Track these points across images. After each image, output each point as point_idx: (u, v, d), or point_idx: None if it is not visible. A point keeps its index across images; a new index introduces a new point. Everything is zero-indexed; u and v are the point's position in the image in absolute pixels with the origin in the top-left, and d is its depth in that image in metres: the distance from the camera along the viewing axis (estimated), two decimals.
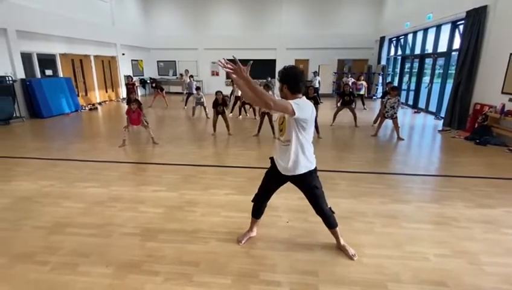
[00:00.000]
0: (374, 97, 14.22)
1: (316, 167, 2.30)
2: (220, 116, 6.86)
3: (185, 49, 16.33)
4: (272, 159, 2.43)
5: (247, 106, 9.51)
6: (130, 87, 9.93)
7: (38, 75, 9.49)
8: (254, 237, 2.70)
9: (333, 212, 2.44)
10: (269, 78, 13.09)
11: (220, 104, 6.78)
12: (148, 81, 15.62)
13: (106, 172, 4.43)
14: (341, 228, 2.54)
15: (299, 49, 15.52)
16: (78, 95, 10.64)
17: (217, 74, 16.52)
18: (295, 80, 2.12)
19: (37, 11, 9.02)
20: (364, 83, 11.11)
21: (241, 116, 9.19)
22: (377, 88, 14.38)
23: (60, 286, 2.11)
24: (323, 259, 2.43)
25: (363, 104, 10.96)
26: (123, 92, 13.71)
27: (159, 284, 2.13)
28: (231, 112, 9.29)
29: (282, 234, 2.80)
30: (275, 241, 2.68)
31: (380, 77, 13.98)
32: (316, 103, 6.57)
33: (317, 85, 12.82)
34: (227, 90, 15.31)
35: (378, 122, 7.18)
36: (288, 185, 2.41)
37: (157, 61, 17.00)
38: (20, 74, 8.62)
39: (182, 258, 2.41)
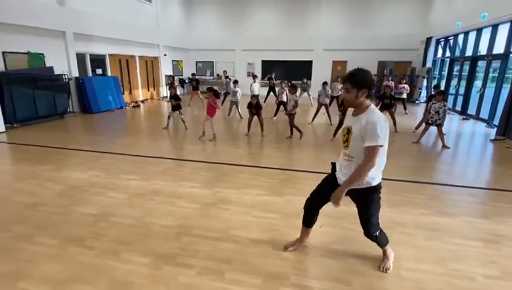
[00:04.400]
0: (417, 101, 13.42)
1: (378, 185, 2.10)
2: (255, 116, 6.93)
3: (223, 50, 16.69)
4: (333, 165, 2.27)
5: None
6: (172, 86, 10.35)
7: (90, 74, 10.29)
8: (305, 246, 2.58)
9: (376, 238, 2.25)
10: (305, 80, 12.92)
11: (253, 107, 6.87)
12: (187, 80, 16.19)
13: (147, 166, 4.68)
14: None
15: (337, 50, 15.14)
16: (123, 93, 11.36)
17: (254, 75, 16.66)
18: (373, 83, 1.94)
19: (91, 14, 9.79)
20: (406, 86, 10.52)
21: (275, 118, 9.17)
22: (420, 92, 13.55)
23: (103, 270, 2.27)
24: (358, 268, 2.34)
25: (405, 108, 10.39)
26: (164, 91, 14.39)
27: (192, 277, 2.20)
28: (275, 116, 9.21)
29: (315, 238, 2.75)
30: (307, 245, 2.64)
31: (425, 80, 13.17)
32: (390, 106, 6.52)
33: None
34: (263, 91, 15.45)
35: (421, 128, 6.77)
36: None
37: (196, 62, 17.59)
38: (75, 73, 9.42)
39: (214, 254, 2.47)
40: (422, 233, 2.88)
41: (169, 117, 7.58)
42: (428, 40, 13.07)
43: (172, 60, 15.56)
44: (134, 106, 11.39)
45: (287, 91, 8.34)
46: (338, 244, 2.66)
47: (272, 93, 12.35)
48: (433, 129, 6.50)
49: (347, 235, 2.78)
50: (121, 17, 11.20)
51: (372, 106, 1.96)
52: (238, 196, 3.64)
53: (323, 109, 8.58)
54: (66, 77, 8.89)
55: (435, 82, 12.77)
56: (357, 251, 2.54)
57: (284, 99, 9.14)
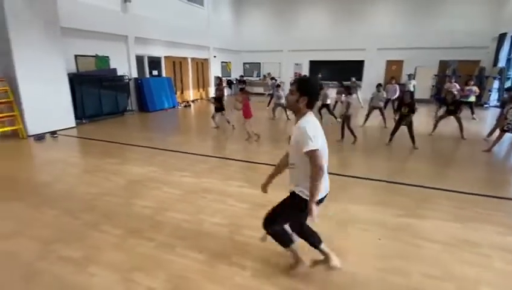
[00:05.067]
0: (486, 105, 12.02)
1: (306, 200, 1.89)
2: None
3: (270, 51, 16.75)
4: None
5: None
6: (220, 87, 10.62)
7: (147, 74, 11.03)
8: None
9: (268, 232, 2.14)
10: (353, 79, 12.24)
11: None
12: (235, 82, 16.54)
13: (198, 164, 4.83)
14: (444, 257, 2.17)
15: (392, 49, 14.25)
16: (176, 93, 11.98)
17: (299, 76, 16.43)
18: (316, 95, 1.92)
19: (149, 19, 10.48)
20: (474, 88, 9.42)
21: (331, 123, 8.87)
22: (490, 94, 12.11)
23: (162, 263, 2.36)
24: (423, 288, 2.12)
25: (472, 112, 9.32)
26: (212, 91, 14.88)
27: (246, 278, 2.18)
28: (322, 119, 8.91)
29: (373, 250, 2.56)
30: (366, 256, 2.47)
31: (496, 82, 11.74)
32: (411, 112, 5.88)
33: (411, 89, 11.55)
34: None
35: (494, 135, 6.02)
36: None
37: (244, 63, 17.90)
38: (134, 74, 10.17)
39: (268, 257, 2.43)
40: (500, 255, 2.53)
41: (213, 117, 7.74)
42: (502, 36, 11.64)
43: (221, 62, 16.02)
44: (185, 106, 11.94)
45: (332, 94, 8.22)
46: (399, 259, 2.44)
47: None
48: (508, 136, 5.74)
49: (409, 251, 2.54)
50: (175, 21, 11.82)
51: (309, 113, 1.92)
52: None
53: (375, 112, 8.10)
54: (127, 77, 9.63)
55: (508, 83, 11.33)
56: (421, 270, 2.31)
57: (328, 101, 8.90)
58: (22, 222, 2.98)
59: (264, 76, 16.78)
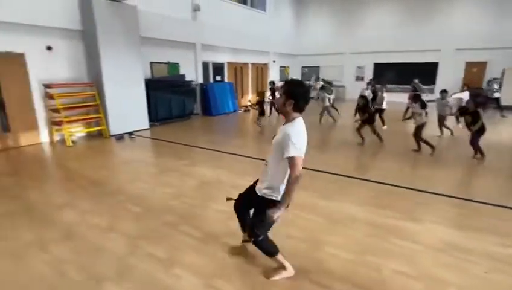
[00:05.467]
0: None
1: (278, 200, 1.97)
2: (366, 125, 6.48)
3: (330, 54, 16.24)
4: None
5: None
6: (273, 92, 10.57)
7: (211, 80, 11.53)
8: None
9: (255, 241, 2.13)
10: (416, 80, 10.96)
11: (359, 108, 6.55)
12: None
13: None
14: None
15: (473, 49, 12.67)
16: (236, 98, 12.30)
17: (362, 79, 15.60)
18: (304, 99, 1.91)
19: (215, 27, 10.95)
20: None
21: (385, 126, 8.23)
22: None
23: (242, 271, 2.33)
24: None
25: None
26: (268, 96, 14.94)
27: None
28: (384, 126, 8.30)
29: (480, 287, 2.19)
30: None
31: None
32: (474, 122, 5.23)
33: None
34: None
35: None
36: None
37: (302, 67, 17.66)
38: (200, 79, 10.71)
39: (351, 278, 2.24)
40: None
41: (257, 120, 8.00)
42: None
43: (280, 66, 16.03)
44: (245, 110, 12.18)
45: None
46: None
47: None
48: None
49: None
50: (239, 28, 12.16)
51: (298, 119, 1.94)
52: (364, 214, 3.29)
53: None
54: (194, 83, 10.18)
55: None
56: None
57: (384, 106, 8.31)
58: (113, 217, 3.25)
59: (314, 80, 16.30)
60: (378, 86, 9.47)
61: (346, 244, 2.74)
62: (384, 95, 8.46)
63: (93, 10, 6.62)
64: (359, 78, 15.65)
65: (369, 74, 15.35)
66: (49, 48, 6.51)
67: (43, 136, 6.71)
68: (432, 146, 5.69)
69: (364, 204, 3.58)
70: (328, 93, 9.23)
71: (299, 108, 1.92)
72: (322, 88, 9.71)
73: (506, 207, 3.48)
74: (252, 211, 2.28)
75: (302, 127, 1.94)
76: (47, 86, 6.38)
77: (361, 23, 15.18)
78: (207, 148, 6.20)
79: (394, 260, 2.50)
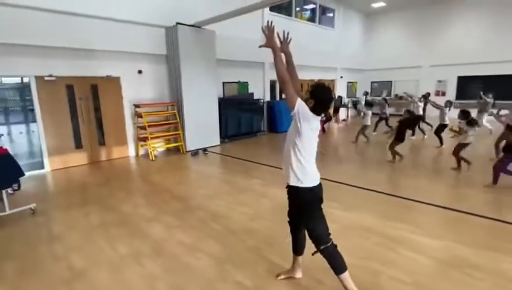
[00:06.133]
0: None
1: (311, 187, 2.07)
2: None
3: (405, 68, 15.07)
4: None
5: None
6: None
7: (278, 98, 11.58)
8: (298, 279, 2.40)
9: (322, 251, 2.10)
10: (483, 94, 9.17)
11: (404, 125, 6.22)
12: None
13: (343, 193, 4.45)
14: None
15: None
16: None
17: (443, 94, 14.03)
18: (323, 103, 2.03)
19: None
20: None
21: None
22: None
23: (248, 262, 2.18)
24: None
25: None
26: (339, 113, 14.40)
27: None
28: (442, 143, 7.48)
29: None
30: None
31: None
32: None
33: None
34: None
35: None
36: None
37: (371, 82, 16.72)
38: (267, 97, 10.84)
39: None
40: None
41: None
42: None
43: (348, 82, 15.43)
44: None
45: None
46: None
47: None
48: None
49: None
50: (307, 45, 12.10)
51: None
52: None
53: None
54: (262, 101, 10.34)
55: None
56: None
57: (446, 122, 7.51)
58: (197, 234, 3.28)
59: (397, 95, 15.14)
60: (378, 98, 8.83)
61: (352, 250, 2.77)
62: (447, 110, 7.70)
63: (177, 36, 7.24)
64: (440, 93, 14.11)
65: (452, 89, 13.77)
66: (139, 72, 7.28)
67: (131, 150, 7.42)
68: (467, 162, 5.40)
69: (381, 217, 3.61)
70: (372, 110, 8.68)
71: (317, 111, 2.00)
72: (369, 104, 8.98)
73: None
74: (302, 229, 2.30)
75: (317, 120, 2.05)
76: (136, 105, 7.09)
77: (443, 33, 13.80)
78: (277, 167, 6.06)
79: (395, 268, 2.58)
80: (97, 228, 3.53)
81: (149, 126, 7.01)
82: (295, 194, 2.14)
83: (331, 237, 2.13)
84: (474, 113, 6.88)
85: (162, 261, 2.80)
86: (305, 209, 2.13)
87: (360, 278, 2.38)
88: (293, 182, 2.09)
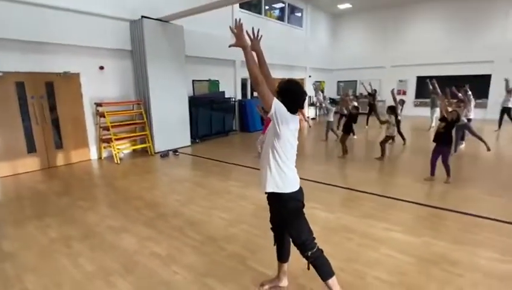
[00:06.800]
0: None
1: (291, 194, 1.95)
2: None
3: (369, 68, 15.69)
4: None
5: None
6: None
7: (249, 96, 11.45)
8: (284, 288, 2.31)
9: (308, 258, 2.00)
10: (467, 85, 9.89)
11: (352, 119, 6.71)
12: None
13: (323, 194, 4.43)
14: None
15: None
16: None
17: (404, 93, 14.83)
18: (294, 100, 1.90)
19: None
20: None
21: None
22: None
23: (233, 272, 2.13)
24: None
25: None
26: (308, 111, 14.62)
27: None
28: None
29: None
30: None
31: None
32: None
33: (509, 105, 9.17)
34: (415, 112, 13.53)
35: None
36: None
37: (338, 82, 17.22)
38: (238, 96, 10.66)
39: None
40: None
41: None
42: None
43: (315, 81, 15.71)
44: None
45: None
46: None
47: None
48: None
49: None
50: (276, 44, 12.09)
51: None
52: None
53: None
54: (233, 99, 10.13)
55: None
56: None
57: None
58: (173, 246, 3.02)
59: (362, 94, 15.72)
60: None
61: (336, 252, 2.79)
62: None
63: (143, 31, 6.79)
64: (401, 92, 14.89)
65: (412, 88, 14.63)
66: (101, 68, 6.73)
67: (92, 153, 6.84)
68: (384, 154, 6.30)
69: (362, 216, 3.63)
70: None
71: (292, 108, 1.89)
72: (333, 101, 9.31)
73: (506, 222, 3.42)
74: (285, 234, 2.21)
75: (296, 120, 1.96)
76: (98, 104, 6.54)
77: (403, 35, 14.61)
78: (253, 168, 5.94)
79: (380, 268, 2.58)
80: (57, 243, 3.13)
81: (113, 126, 6.51)
82: (276, 201, 2.04)
83: (316, 241, 2.04)
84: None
85: (134, 278, 2.53)
86: (287, 217, 2.02)
87: (347, 281, 2.36)
88: (271, 189, 1.96)
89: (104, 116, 6.39)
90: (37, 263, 2.78)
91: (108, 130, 6.45)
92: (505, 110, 9.55)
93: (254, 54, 2.04)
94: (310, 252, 1.99)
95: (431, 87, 10.12)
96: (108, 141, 6.56)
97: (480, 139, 6.43)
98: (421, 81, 14.41)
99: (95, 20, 6.37)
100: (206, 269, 2.62)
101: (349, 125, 6.66)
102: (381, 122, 6.94)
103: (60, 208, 4.08)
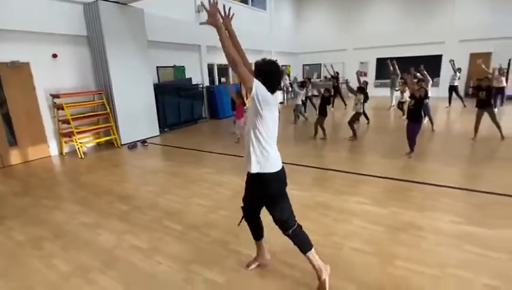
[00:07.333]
0: None
1: (274, 174, 1.98)
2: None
3: (332, 51, 16.07)
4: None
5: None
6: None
7: (217, 82, 11.24)
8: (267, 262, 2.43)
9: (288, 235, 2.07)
10: (422, 66, 10.63)
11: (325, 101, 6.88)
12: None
13: (296, 175, 4.57)
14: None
15: (477, 40, 12.64)
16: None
17: (365, 74, 15.45)
18: (272, 79, 1.91)
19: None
20: None
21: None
22: None
23: (218, 257, 2.56)
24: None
25: None
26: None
27: None
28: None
29: (433, 258, 2.33)
30: (419, 263, 2.39)
31: None
32: None
33: (456, 84, 10.24)
34: (376, 92, 14.12)
35: None
36: None
37: (303, 65, 17.47)
38: (206, 82, 10.42)
39: None
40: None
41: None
42: None
43: (282, 65, 15.79)
44: None
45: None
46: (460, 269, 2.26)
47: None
48: None
49: (472, 260, 2.41)
50: (241, 27, 11.85)
51: None
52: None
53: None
54: (201, 86, 9.89)
55: None
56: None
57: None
58: (154, 238, 2.97)
59: (326, 77, 16.10)
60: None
61: (315, 228, 2.90)
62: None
63: (99, 14, 6.30)
64: (362, 74, 15.47)
65: (372, 69, 15.29)
66: (54, 56, 6.18)
67: (52, 148, 6.37)
68: (355, 134, 6.58)
69: (335, 193, 3.80)
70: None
71: (270, 88, 1.90)
72: (302, 84, 9.46)
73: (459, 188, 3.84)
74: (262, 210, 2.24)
75: (275, 99, 1.97)
76: (55, 96, 6.04)
77: (363, 19, 15.08)
78: (226, 154, 5.93)
79: (356, 239, 2.76)
80: (25, 246, 2.93)
81: (73, 119, 6.08)
82: (258, 182, 2.04)
83: (295, 218, 2.12)
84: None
85: (117, 273, 2.46)
86: (270, 198, 2.06)
87: (326, 253, 2.49)
88: (255, 169, 1.98)
89: (63, 109, 5.93)
90: (5, 268, 2.60)
91: (68, 123, 6.02)
92: (452, 88, 10.42)
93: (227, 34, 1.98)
94: (290, 231, 2.06)
95: (391, 68, 10.88)
96: (70, 134, 6.13)
97: (430, 119, 7.06)
98: (381, 62, 15.11)
99: (44, 3, 5.79)
100: (191, 256, 2.63)
101: (324, 107, 6.77)
102: (357, 96, 6.89)
103: (20, 208, 3.80)
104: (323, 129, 6.78)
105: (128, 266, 2.55)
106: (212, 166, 5.20)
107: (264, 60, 1.99)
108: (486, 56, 12.64)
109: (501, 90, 9.24)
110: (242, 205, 2.29)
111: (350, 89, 7.22)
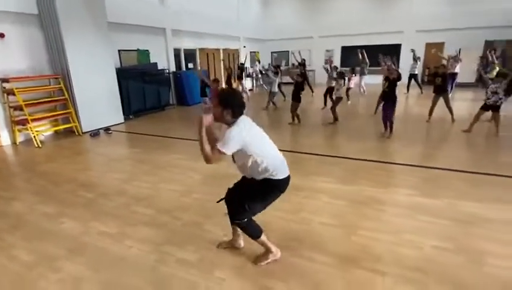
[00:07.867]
0: None
1: (279, 181, 2.03)
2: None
3: (299, 39, 16.22)
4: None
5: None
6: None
7: (184, 68, 10.92)
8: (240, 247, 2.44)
9: (239, 224, 2.14)
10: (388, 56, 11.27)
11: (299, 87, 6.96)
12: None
13: None
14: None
15: (432, 31, 13.49)
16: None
17: (331, 62, 15.84)
18: (239, 106, 1.95)
19: (184, 11, 10.29)
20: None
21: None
22: None
23: (190, 238, 2.61)
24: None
25: None
26: (244, 82, 14.60)
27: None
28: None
29: (391, 227, 2.69)
30: (379, 232, 2.63)
31: None
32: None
33: (416, 72, 11.03)
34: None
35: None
36: None
37: (272, 52, 17.49)
38: (172, 68, 10.08)
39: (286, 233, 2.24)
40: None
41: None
42: None
43: (250, 52, 15.68)
44: None
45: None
46: (412, 234, 2.52)
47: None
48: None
49: (423, 227, 2.70)
50: (209, 12, 11.58)
51: (240, 118, 1.96)
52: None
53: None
54: (167, 71, 9.55)
55: None
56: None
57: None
58: (123, 223, 2.90)
59: (294, 64, 16.29)
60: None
61: (286, 207, 2.97)
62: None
63: None
64: (328, 62, 15.87)
65: (337, 57, 15.72)
66: (1, 35, 5.60)
67: (4, 138, 5.86)
68: (336, 118, 6.83)
69: (303, 175, 3.87)
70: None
71: (238, 113, 1.95)
72: (275, 72, 9.46)
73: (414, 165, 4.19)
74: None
75: (247, 121, 1.99)
76: (4, 80, 5.52)
77: (329, 7, 15.34)
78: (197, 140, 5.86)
79: (324, 214, 2.94)
80: None
81: (27, 105, 5.63)
82: (259, 182, 2.04)
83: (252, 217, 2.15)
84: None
85: (85, 259, 2.40)
86: (255, 194, 2.07)
87: (296, 229, 2.65)
88: (263, 177, 2.02)
89: (14, 94, 5.45)
90: None
91: (21, 109, 5.55)
92: (411, 76, 11.12)
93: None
94: (239, 221, 2.12)
95: (360, 56, 11.29)
96: (24, 122, 5.67)
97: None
98: (345, 50, 15.59)
99: None
100: (163, 238, 2.62)
101: (297, 93, 6.82)
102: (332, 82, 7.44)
103: None
104: (297, 115, 6.87)
105: (97, 251, 2.49)
106: (183, 152, 5.11)
107: (223, 90, 2.14)
108: (440, 46, 13.58)
109: (455, 75, 10.03)
110: (226, 195, 2.29)
111: (331, 77, 7.48)
